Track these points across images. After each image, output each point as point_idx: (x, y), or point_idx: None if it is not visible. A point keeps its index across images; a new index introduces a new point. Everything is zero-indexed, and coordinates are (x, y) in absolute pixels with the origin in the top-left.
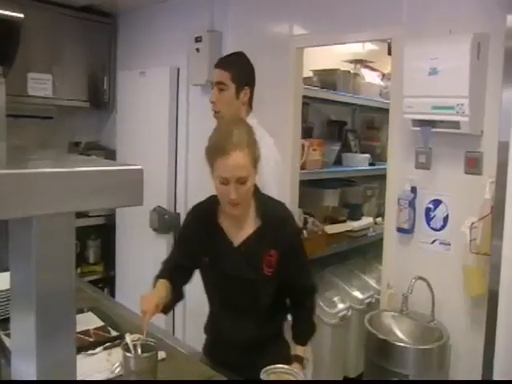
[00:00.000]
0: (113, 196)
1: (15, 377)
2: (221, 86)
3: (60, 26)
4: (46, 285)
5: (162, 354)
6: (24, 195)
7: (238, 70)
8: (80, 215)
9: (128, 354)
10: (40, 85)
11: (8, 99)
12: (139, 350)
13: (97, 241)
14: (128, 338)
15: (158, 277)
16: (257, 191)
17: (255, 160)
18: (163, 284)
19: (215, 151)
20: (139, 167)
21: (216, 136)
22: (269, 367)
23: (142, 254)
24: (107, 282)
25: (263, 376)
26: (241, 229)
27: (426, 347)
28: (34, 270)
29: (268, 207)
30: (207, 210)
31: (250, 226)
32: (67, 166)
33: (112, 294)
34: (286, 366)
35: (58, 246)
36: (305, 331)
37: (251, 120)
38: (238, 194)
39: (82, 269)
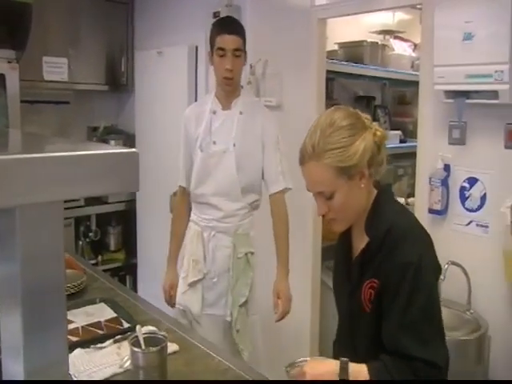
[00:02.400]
0: (105, 182)
1: (6, 376)
2: (238, 53)
3: (75, 7)
4: (32, 279)
5: (174, 347)
6: (4, 183)
7: (245, 36)
8: (100, 202)
9: (135, 349)
10: (56, 69)
11: (23, 84)
12: (147, 344)
13: (117, 227)
14: (138, 331)
15: None
16: (377, 199)
17: (346, 168)
18: None
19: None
20: (134, 150)
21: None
22: (293, 361)
23: (163, 240)
24: (129, 270)
25: (287, 369)
26: (360, 238)
27: (461, 338)
28: (20, 263)
29: (380, 222)
30: None
31: (362, 241)
32: (53, 150)
33: (134, 281)
34: (309, 359)
35: (45, 238)
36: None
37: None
38: (328, 209)
39: (102, 257)
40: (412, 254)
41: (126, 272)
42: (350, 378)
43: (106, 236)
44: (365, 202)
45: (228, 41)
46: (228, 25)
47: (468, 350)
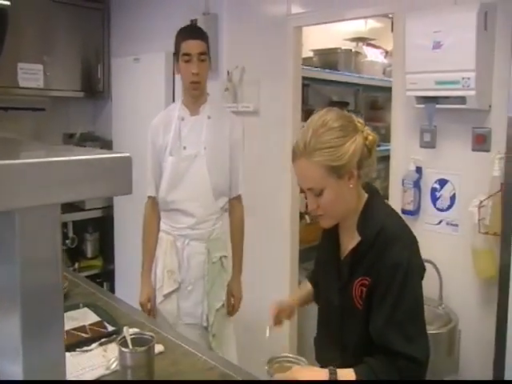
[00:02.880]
0: (100, 185)
1: (2, 377)
2: (202, 57)
3: (50, 13)
4: (31, 281)
5: (159, 348)
6: (4, 187)
7: (208, 41)
8: (76, 209)
9: (123, 349)
10: (31, 75)
11: None
12: (134, 345)
13: (94, 234)
14: (126, 332)
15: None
16: (369, 200)
17: (335, 167)
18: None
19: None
20: (127, 155)
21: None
22: (273, 356)
23: (141, 246)
24: (107, 277)
25: (267, 367)
26: (349, 239)
27: (433, 332)
28: (19, 266)
29: (372, 222)
30: None
31: (351, 241)
32: (50, 155)
33: (112, 288)
34: (290, 355)
35: (44, 241)
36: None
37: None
38: (317, 206)
39: (79, 264)
40: (402, 256)
41: (104, 279)
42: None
43: (83, 243)
44: (353, 201)
45: (193, 46)
46: (191, 31)
47: (440, 342)
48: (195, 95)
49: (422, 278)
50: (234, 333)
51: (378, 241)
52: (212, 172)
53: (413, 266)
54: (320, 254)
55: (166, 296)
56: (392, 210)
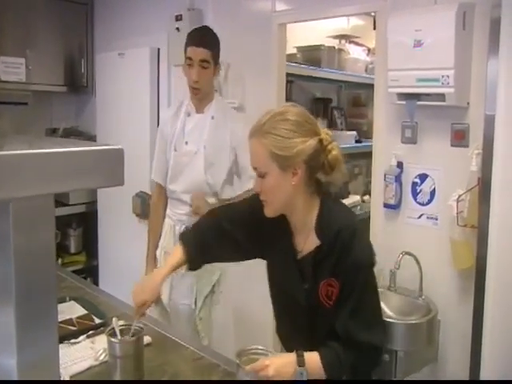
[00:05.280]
0: (93, 177)
1: None
2: (204, 64)
3: (32, 6)
4: (26, 274)
5: (147, 339)
6: (1, 177)
7: (217, 48)
8: (60, 204)
9: (112, 339)
10: (13, 69)
11: None
12: (123, 335)
13: (78, 230)
14: (115, 323)
15: (182, 235)
16: (324, 203)
17: (279, 156)
18: (175, 256)
19: None
20: (119, 147)
21: None
22: (241, 349)
23: (125, 241)
24: (90, 272)
25: (237, 360)
26: (305, 240)
27: (413, 322)
28: (13, 258)
29: (329, 224)
30: None
31: (308, 243)
32: (44, 147)
33: (95, 284)
34: (259, 347)
35: (38, 232)
36: (328, 356)
37: (220, 97)
38: (261, 189)
39: (63, 259)
40: (363, 257)
41: (87, 274)
42: (306, 363)
43: (67, 238)
44: (296, 199)
45: (195, 52)
46: (198, 37)
47: (420, 332)
48: (196, 98)
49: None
50: (227, 321)
51: (339, 241)
52: (208, 170)
53: (371, 263)
54: (272, 253)
55: None
56: (344, 205)
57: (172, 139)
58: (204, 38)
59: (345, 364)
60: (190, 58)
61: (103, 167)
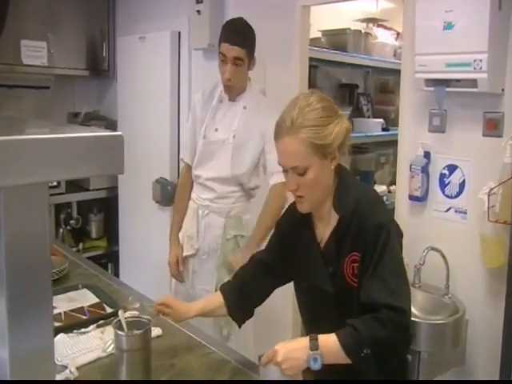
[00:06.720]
0: (90, 164)
1: None
2: (238, 62)
3: None
4: (17, 263)
5: (158, 331)
6: None
7: (252, 44)
8: (81, 189)
9: (119, 332)
10: (35, 53)
11: (1, 68)
12: (131, 328)
13: (99, 215)
14: (121, 315)
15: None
16: (340, 179)
17: (320, 146)
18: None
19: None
20: (119, 133)
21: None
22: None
23: (145, 227)
24: (111, 258)
25: (258, 363)
26: (325, 225)
27: (439, 322)
28: (4, 246)
29: (347, 197)
30: None
31: (328, 226)
32: (38, 133)
33: (116, 269)
34: None
35: (30, 220)
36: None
37: (255, 85)
38: (298, 186)
39: (84, 244)
40: (384, 218)
41: (108, 259)
42: (320, 347)
43: (88, 223)
44: (330, 185)
45: (228, 49)
46: (233, 34)
47: (446, 333)
48: (228, 91)
49: (401, 247)
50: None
51: (358, 211)
52: (235, 160)
53: (394, 228)
54: (296, 248)
55: (185, 259)
56: (362, 182)
57: (203, 124)
58: (239, 36)
59: (364, 335)
60: (223, 55)
61: (101, 154)
